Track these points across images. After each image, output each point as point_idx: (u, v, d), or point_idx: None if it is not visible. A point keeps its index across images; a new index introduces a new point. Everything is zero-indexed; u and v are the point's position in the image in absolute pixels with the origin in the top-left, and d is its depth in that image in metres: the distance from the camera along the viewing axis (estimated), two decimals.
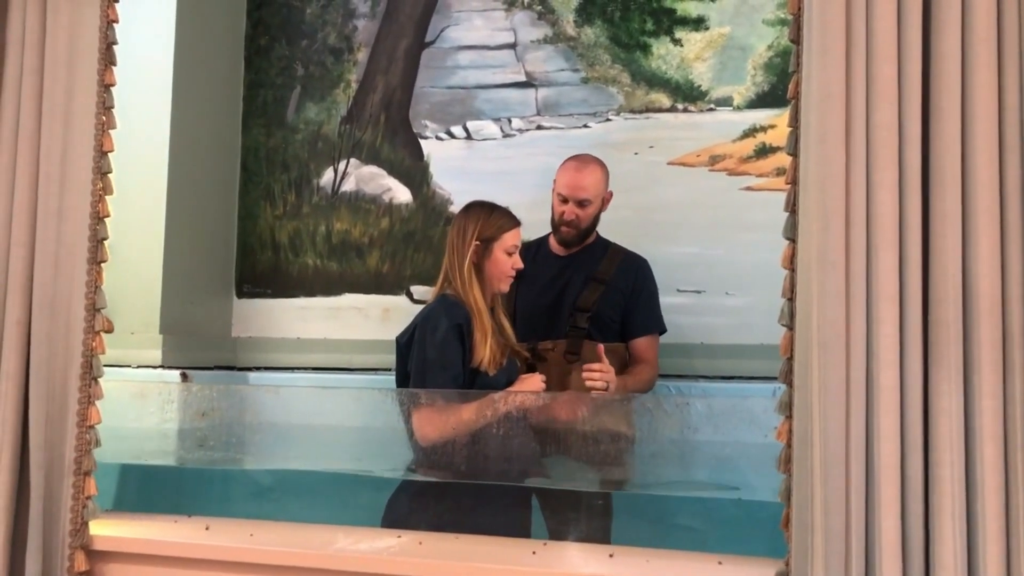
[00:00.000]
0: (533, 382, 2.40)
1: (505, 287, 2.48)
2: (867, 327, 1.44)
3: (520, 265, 2.49)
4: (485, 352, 2.33)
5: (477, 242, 2.41)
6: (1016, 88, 1.42)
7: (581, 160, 2.80)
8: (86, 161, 1.90)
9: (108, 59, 1.96)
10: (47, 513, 1.85)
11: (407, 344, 2.40)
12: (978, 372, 1.39)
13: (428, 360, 2.32)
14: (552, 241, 2.90)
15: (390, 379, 3.39)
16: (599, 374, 2.48)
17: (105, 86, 1.95)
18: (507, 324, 2.52)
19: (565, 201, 2.76)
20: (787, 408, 1.54)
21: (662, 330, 2.84)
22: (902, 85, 1.46)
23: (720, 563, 1.70)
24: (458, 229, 2.46)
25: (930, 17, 1.47)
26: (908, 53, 1.46)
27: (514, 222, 2.49)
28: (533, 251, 2.91)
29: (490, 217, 2.46)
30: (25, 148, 1.90)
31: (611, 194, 2.83)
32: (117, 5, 1.98)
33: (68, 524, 1.86)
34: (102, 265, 1.94)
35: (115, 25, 1.98)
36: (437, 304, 2.41)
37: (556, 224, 2.82)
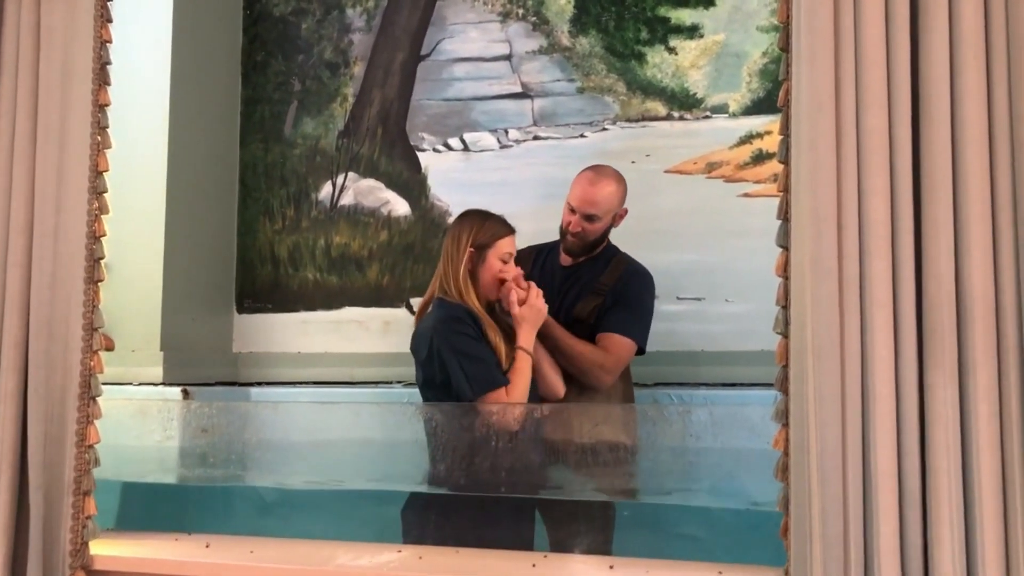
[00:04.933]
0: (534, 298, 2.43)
1: (496, 295, 2.47)
2: (861, 334, 1.43)
3: (510, 274, 2.46)
4: (501, 346, 2.36)
5: (471, 248, 2.42)
6: (1005, 91, 1.42)
7: (597, 173, 2.69)
8: (81, 181, 1.91)
9: (102, 79, 1.96)
10: (47, 533, 1.85)
11: (428, 357, 2.37)
12: (973, 376, 1.39)
13: (466, 356, 2.32)
14: (561, 249, 2.81)
15: (391, 392, 3.41)
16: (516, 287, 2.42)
17: (100, 106, 1.95)
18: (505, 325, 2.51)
19: (573, 212, 2.67)
20: (784, 416, 1.53)
21: (636, 340, 2.65)
22: (891, 91, 1.46)
23: (720, 572, 1.69)
24: (453, 236, 2.47)
25: (917, 23, 1.47)
26: (896, 59, 1.46)
27: (508, 229, 2.48)
28: (543, 256, 2.85)
29: (484, 224, 2.47)
30: (20, 169, 1.90)
31: (626, 211, 2.74)
32: (112, 25, 1.99)
33: (68, 544, 1.85)
34: (99, 284, 1.94)
35: (109, 45, 1.98)
36: (440, 308, 2.40)
37: (562, 232, 2.74)
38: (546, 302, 2.73)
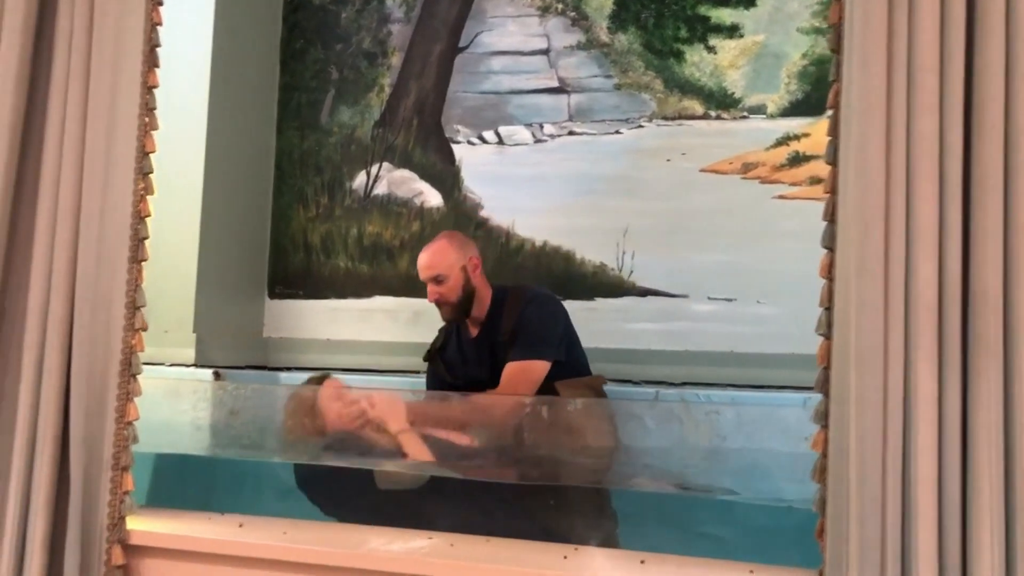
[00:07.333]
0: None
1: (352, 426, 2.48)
2: (905, 338, 1.43)
3: (349, 405, 2.47)
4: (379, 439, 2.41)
5: (306, 420, 2.50)
6: None
7: (429, 243, 2.83)
8: (128, 161, 1.93)
9: (151, 61, 1.98)
10: (86, 507, 1.87)
11: None
12: (1018, 385, 1.38)
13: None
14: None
15: (419, 381, 3.43)
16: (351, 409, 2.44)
17: (148, 88, 1.98)
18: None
19: (427, 284, 2.77)
20: (823, 418, 1.53)
21: (533, 358, 2.62)
22: (944, 95, 1.45)
23: (752, 572, 1.69)
24: (290, 418, 2.54)
25: (973, 27, 1.46)
26: (950, 63, 1.45)
27: (319, 379, 2.54)
28: (454, 334, 2.90)
29: (300, 396, 2.53)
30: (70, 148, 1.93)
31: (476, 258, 2.79)
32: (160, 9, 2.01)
33: (106, 519, 1.88)
34: (142, 264, 1.96)
35: (159, 28, 2.01)
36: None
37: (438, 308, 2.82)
38: (469, 374, 2.79)
